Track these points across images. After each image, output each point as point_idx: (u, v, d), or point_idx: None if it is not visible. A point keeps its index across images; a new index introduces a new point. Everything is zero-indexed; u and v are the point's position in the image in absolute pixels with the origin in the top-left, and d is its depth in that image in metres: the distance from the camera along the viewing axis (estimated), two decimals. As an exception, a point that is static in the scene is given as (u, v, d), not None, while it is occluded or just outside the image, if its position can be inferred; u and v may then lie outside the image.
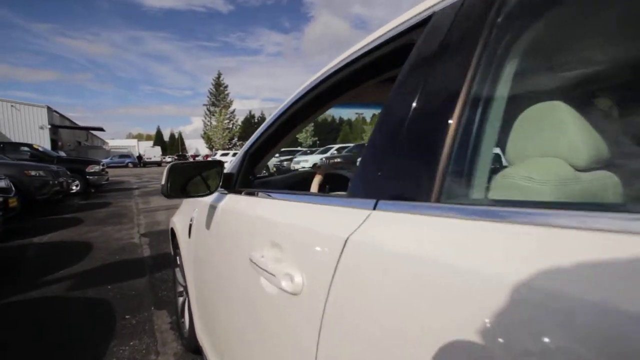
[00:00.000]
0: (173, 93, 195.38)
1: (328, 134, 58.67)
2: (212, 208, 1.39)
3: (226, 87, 45.96)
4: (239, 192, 1.30)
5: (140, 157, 40.92)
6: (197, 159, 41.49)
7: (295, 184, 1.69)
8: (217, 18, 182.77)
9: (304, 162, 13.15)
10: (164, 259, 3.74)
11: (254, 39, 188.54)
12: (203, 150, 52.83)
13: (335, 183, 1.86)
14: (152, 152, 41.61)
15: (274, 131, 1.26)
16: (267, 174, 1.96)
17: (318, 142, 45.54)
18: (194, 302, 1.60)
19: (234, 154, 21.89)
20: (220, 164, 1.39)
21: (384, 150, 0.61)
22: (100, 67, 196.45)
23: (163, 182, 1.21)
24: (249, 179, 1.42)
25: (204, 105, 45.50)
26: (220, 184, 1.35)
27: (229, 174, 1.43)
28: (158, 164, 39.35)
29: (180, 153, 47.53)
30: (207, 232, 1.37)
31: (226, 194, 1.38)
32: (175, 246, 2.03)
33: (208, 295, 1.34)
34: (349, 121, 61.65)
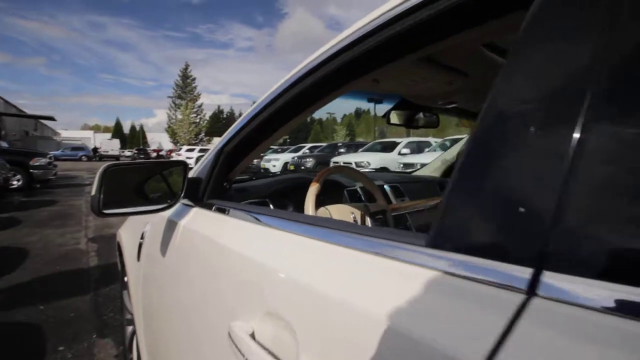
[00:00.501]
0: (135, 83, 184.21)
1: (299, 132, 58.20)
2: (171, 226, 1.03)
3: (194, 79, 44.04)
4: (209, 207, 0.95)
5: (96, 150, 38.16)
6: (160, 153, 39.45)
7: (283, 195, 1.36)
8: (185, 7, 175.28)
9: (275, 160, 12.70)
10: (114, 270, 3.24)
11: (224, 32, 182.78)
12: (167, 144, 50.37)
13: (329, 192, 1.54)
14: (110, 145, 38.91)
15: (261, 125, 0.92)
16: (246, 176, 1.58)
17: (289, 140, 45.01)
18: (143, 340, 1.22)
19: (201, 150, 20.91)
20: (184, 165, 1.03)
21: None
22: (55, 52, 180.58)
23: (93, 191, 0.83)
24: (222, 187, 1.07)
25: (169, 97, 43.29)
26: (183, 193, 0.99)
27: (196, 180, 1.07)
28: (116, 158, 36.93)
29: (141, 147, 44.80)
30: (161, 261, 1.01)
31: (191, 206, 1.03)
32: (123, 264, 1.62)
33: (163, 346, 0.98)
34: (320, 120, 61.65)
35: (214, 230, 0.83)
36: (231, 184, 1.11)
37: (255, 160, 15.23)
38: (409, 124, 1.42)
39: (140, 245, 1.27)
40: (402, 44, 0.61)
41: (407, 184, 1.88)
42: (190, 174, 1.14)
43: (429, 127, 1.47)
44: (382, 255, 0.42)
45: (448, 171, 2.19)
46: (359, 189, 1.58)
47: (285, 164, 12.04)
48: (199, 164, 1.16)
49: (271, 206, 1.28)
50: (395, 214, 1.46)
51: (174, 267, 0.92)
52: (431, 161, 2.27)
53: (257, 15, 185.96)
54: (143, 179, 1.10)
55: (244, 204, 1.12)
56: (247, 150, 1.05)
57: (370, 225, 1.25)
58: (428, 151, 9.32)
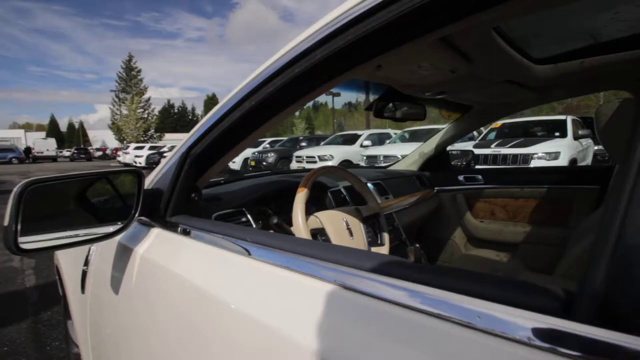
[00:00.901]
0: (72, 76, 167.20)
1: (256, 126, 56.67)
2: (124, 253, 0.81)
3: (139, 71, 40.85)
4: (173, 227, 0.76)
5: (28, 150, 34.17)
6: (106, 152, 36.35)
7: (263, 202, 1.18)
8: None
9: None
10: (57, 290, 2.82)
11: (171, 21, 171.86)
12: (112, 142, 46.57)
13: (311, 194, 1.38)
14: (45, 145, 35.00)
15: (237, 122, 0.74)
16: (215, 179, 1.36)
17: (246, 134, 43.81)
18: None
19: (152, 148, 19.45)
20: (138, 175, 0.81)
21: None
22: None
23: (6, 220, 0.59)
24: (189, 199, 0.87)
25: (112, 91, 39.75)
26: (138, 210, 0.78)
27: (155, 192, 0.86)
28: (53, 159, 33.42)
29: (82, 147, 40.94)
30: (115, 302, 0.79)
31: (150, 226, 0.82)
32: (65, 292, 1.34)
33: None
34: (278, 114, 60.53)
35: (182, 263, 0.64)
36: (200, 194, 0.91)
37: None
38: (395, 116, 1.29)
39: (84, 274, 1.02)
40: (420, 21, 0.48)
41: (388, 180, 1.78)
42: (147, 184, 0.92)
43: (416, 119, 1.36)
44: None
45: (426, 165, 2.12)
46: (342, 189, 1.44)
47: (246, 159, 11.58)
48: (155, 171, 0.94)
49: (250, 218, 1.09)
50: (384, 213, 1.34)
51: (134, 310, 0.71)
52: (408, 154, 2.20)
53: (205, 4, 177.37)
54: (80, 196, 0.86)
55: (217, 221, 0.92)
56: (219, 153, 0.85)
57: (363, 232, 1.11)
58: (389, 142, 9.46)
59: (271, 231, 1.02)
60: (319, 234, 1.01)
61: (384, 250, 1.13)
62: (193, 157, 0.83)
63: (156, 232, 0.79)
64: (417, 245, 1.27)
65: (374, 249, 1.11)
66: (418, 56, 0.82)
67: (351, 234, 1.06)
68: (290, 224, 0.97)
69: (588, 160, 7.22)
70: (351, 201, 1.40)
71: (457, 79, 1.05)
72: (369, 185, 1.58)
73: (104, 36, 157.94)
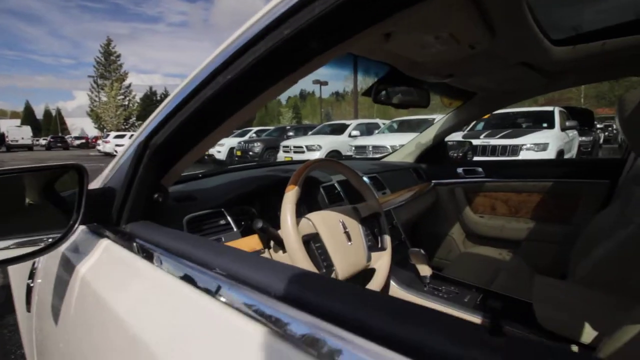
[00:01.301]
0: (48, 61, 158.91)
1: (242, 115, 55.61)
2: (66, 268, 0.64)
3: (118, 56, 39.11)
4: (128, 239, 0.59)
5: (2, 138, 32.54)
6: (83, 142, 35.03)
7: (246, 201, 1.01)
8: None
9: (219, 145, 11.82)
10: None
11: (151, 5, 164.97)
12: (91, 131, 44.87)
13: (308, 194, 1.22)
14: (20, 133, 33.37)
15: (209, 102, 0.57)
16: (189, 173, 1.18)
17: (232, 123, 42.96)
18: None
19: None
20: (79, 170, 0.63)
21: None
22: None
23: None
24: (151, 201, 0.70)
25: (90, 76, 38.05)
26: (80, 216, 0.61)
27: (106, 193, 0.68)
28: (29, 147, 31.98)
29: (59, 135, 39.18)
30: (54, 328, 0.62)
31: (99, 235, 0.65)
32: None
33: None
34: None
35: (130, 301, 0.47)
36: (166, 194, 0.73)
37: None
38: (396, 102, 1.14)
39: (29, 289, 0.85)
40: None
41: (385, 173, 1.64)
42: (100, 183, 0.74)
43: (419, 106, 1.21)
44: None
45: (423, 156, 1.99)
46: (336, 184, 1.28)
47: (231, 149, 11.26)
48: (110, 165, 0.76)
49: (230, 220, 0.93)
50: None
51: (76, 351, 0.54)
52: (404, 145, 2.06)
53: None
54: (17, 196, 0.68)
55: (185, 233, 0.76)
56: (188, 143, 0.68)
57: (363, 235, 0.96)
58: (377, 132, 9.33)
59: (260, 248, 0.86)
60: (312, 240, 0.86)
61: (386, 255, 0.99)
62: (154, 148, 0.65)
63: (104, 246, 0.62)
64: (421, 250, 1.14)
65: (374, 255, 0.97)
66: (439, 21, 0.66)
67: (349, 238, 0.91)
68: (279, 227, 0.82)
69: (573, 152, 7.30)
70: (346, 198, 1.25)
71: (472, 57, 0.91)
72: (365, 178, 1.43)
73: (81, 19, 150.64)
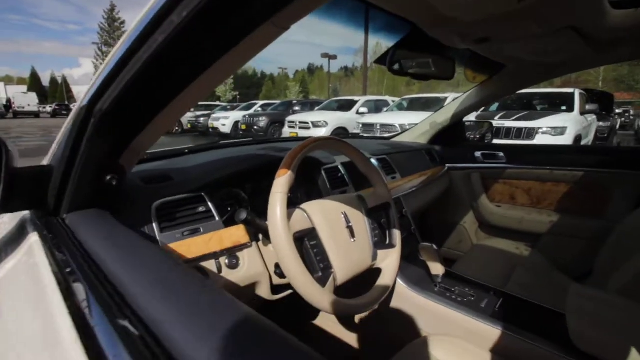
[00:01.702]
0: (54, 27, 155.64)
1: (249, 88, 54.82)
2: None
3: (122, 23, 38.13)
4: (66, 236, 0.44)
5: (9, 104, 32.43)
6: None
7: (232, 183, 0.86)
8: None
9: (224, 119, 11.57)
10: None
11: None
12: (98, 99, 44.22)
13: (307, 177, 1.06)
14: (25, 100, 33.16)
15: (169, 53, 0.40)
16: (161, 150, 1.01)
17: (239, 96, 42.35)
18: None
19: None
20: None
21: None
22: None
23: None
24: (103, 183, 0.55)
25: (94, 43, 37.33)
26: None
27: (41, 172, 0.53)
28: (36, 114, 31.89)
29: (63, 102, 38.84)
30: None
31: (33, 226, 0.50)
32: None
33: None
34: (272, 76, 58.44)
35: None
36: (123, 175, 0.58)
37: (202, 119, 13.74)
38: (415, 72, 0.95)
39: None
40: None
41: (395, 155, 1.46)
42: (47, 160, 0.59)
43: (441, 77, 1.03)
44: None
45: (438, 137, 1.80)
46: (340, 167, 1.12)
47: (236, 123, 11.03)
48: (56, 139, 0.60)
49: (212, 207, 0.78)
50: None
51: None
52: (417, 124, 1.86)
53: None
54: None
55: (146, 238, 0.61)
56: (146, 110, 0.52)
57: (369, 230, 0.81)
58: (386, 110, 9.01)
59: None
60: (306, 237, 0.71)
61: (395, 254, 0.84)
62: (100, 116, 0.49)
63: (32, 242, 0.47)
64: (434, 245, 0.98)
65: (381, 254, 0.82)
66: None
67: (352, 233, 0.76)
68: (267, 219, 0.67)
69: (590, 138, 6.98)
70: (352, 183, 1.09)
71: (515, 16, 0.72)
72: (373, 160, 1.27)
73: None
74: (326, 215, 0.73)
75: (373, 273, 0.83)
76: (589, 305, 0.80)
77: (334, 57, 24.97)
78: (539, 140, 5.33)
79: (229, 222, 0.79)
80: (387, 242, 0.87)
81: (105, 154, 0.54)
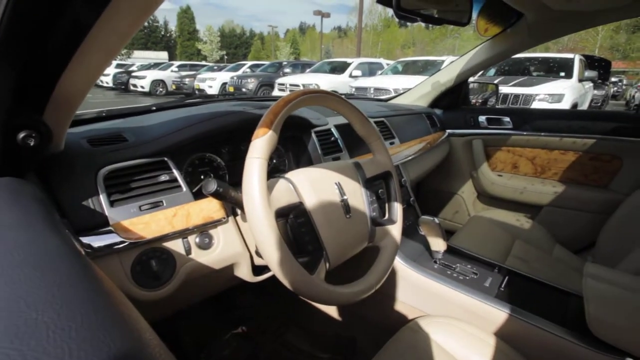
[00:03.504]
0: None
1: (237, 48, 52.24)
2: None
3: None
4: None
5: None
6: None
7: (199, 147, 0.72)
8: None
9: (211, 80, 10.99)
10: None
11: None
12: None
13: (293, 141, 0.92)
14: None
15: None
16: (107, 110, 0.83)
17: (226, 57, 40.50)
18: None
19: (119, 66, 17.11)
20: None
21: None
22: None
23: None
24: (15, 144, 0.40)
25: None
26: None
27: None
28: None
29: None
30: None
31: None
32: None
33: None
34: (261, 35, 55.56)
35: None
36: (46, 134, 0.43)
37: (187, 80, 13.13)
38: (428, 13, 0.79)
39: None
40: None
41: (393, 118, 1.32)
42: None
43: (456, 22, 0.86)
44: None
45: (439, 100, 1.65)
46: (333, 129, 0.98)
47: (224, 84, 10.51)
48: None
49: (177, 175, 0.64)
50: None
51: None
52: (417, 85, 1.70)
53: None
54: None
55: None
56: (67, 38, 0.36)
57: (366, 203, 0.70)
58: (381, 74, 8.66)
59: None
60: (292, 213, 0.58)
61: (395, 230, 0.73)
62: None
63: None
64: (435, 219, 0.88)
65: (379, 231, 0.71)
66: None
67: (347, 210, 0.64)
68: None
69: (585, 106, 6.87)
70: (346, 149, 0.96)
71: None
72: (370, 124, 1.12)
73: None
74: (316, 186, 0.61)
75: (369, 252, 0.73)
76: (611, 290, 0.71)
77: (327, 15, 23.68)
78: (536, 107, 5.20)
79: (202, 193, 0.65)
80: (387, 217, 0.76)
81: (10, 101, 0.39)
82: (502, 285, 0.88)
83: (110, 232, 0.53)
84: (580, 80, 6.11)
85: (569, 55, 6.61)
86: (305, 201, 0.59)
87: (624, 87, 16.88)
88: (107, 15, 0.34)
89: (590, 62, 7.69)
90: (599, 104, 9.46)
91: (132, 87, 12.70)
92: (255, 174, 0.49)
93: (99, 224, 0.53)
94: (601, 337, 0.67)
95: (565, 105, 5.27)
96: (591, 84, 7.18)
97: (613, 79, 15.45)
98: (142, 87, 12.30)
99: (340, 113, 0.70)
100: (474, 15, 1.16)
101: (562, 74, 6.11)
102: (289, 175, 0.61)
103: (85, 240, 0.51)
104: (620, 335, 0.66)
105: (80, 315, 0.19)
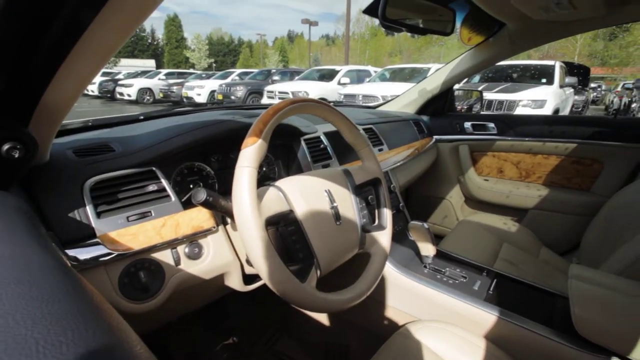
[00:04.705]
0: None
1: (225, 55, 52.24)
2: None
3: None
4: None
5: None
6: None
7: (188, 155, 0.71)
8: None
9: (199, 88, 10.93)
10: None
11: None
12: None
13: (282, 150, 0.92)
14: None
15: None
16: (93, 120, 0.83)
17: (214, 64, 40.44)
18: None
19: (105, 74, 16.81)
20: None
21: None
22: None
23: None
24: (1, 156, 0.40)
25: None
26: None
27: None
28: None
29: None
30: None
31: None
32: None
33: None
34: (250, 43, 55.72)
35: None
36: (31, 146, 0.43)
37: (175, 88, 12.97)
38: (412, 23, 0.81)
39: None
40: None
41: (381, 125, 1.34)
42: None
43: (440, 32, 0.89)
44: None
45: (426, 107, 1.68)
46: (322, 136, 0.98)
47: (212, 92, 10.47)
48: None
49: (165, 184, 0.63)
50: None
51: None
52: (404, 92, 1.73)
53: None
54: None
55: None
56: (54, 45, 0.36)
57: (356, 210, 0.70)
58: (368, 81, 8.77)
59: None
60: (282, 221, 0.58)
61: (385, 236, 0.73)
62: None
63: None
64: (424, 224, 0.89)
65: (369, 237, 0.71)
66: None
67: (337, 217, 0.64)
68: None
69: (567, 111, 7.08)
70: (336, 156, 0.97)
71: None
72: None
73: None
74: (307, 194, 0.61)
75: (359, 258, 0.73)
76: (596, 290, 0.73)
77: (315, 24, 23.94)
78: (519, 112, 5.34)
79: (190, 202, 0.65)
80: (376, 223, 0.77)
81: (-6, 114, 0.39)
82: (491, 289, 0.89)
83: (97, 244, 0.52)
84: (561, 86, 6.31)
85: (550, 62, 6.84)
86: (296, 209, 0.59)
87: (603, 92, 17.48)
88: (97, 23, 0.34)
89: (570, 68, 7.96)
90: (579, 109, 9.76)
91: (118, 96, 12.55)
92: (245, 183, 0.50)
93: (86, 235, 0.52)
94: (587, 337, 0.69)
95: (547, 110, 5.42)
96: (572, 90, 7.41)
97: (592, 85, 15.98)
98: (128, 95, 12.16)
99: (329, 121, 0.71)
100: (458, 24, 1.20)
101: (544, 80, 6.30)
102: (279, 183, 0.61)
103: (71, 252, 0.50)
104: (605, 335, 0.68)
105: (70, 331, 0.19)
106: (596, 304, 0.71)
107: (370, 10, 0.84)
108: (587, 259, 1.19)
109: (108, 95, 13.17)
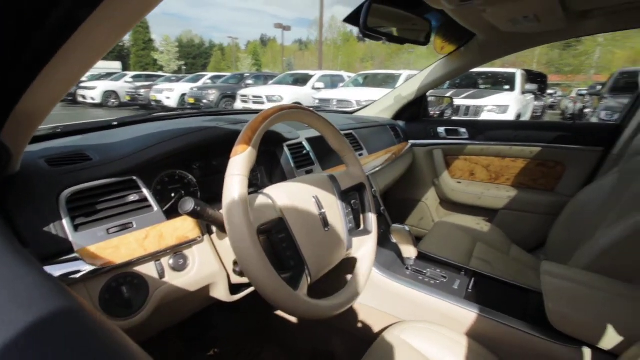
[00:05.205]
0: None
1: (195, 58, 51.05)
2: None
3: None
4: None
5: None
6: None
7: (170, 164, 0.69)
8: None
9: (169, 91, 10.59)
10: None
11: None
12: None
13: (266, 156, 0.91)
14: None
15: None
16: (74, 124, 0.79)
17: (184, 67, 39.37)
18: None
19: None
20: None
21: None
22: None
23: None
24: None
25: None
26: None
27: None
28: None
29: None
30: None
31: None
32: None
33: None
34: (221, 46, 54.83)
35: None
36: (4, 155, 0.40)
37: (142, 91, 12.51)
38: (392, 33, 0.83)
39: None
40: None
41: (361, 130, 1.36)
42: None
43: (417, 41, 0.92)
44: None
45: (401, 112, 1.73)
46: (304, 142, 0.99)
47: (183, 95, 10.18)
48: None
49: (147, 194, 0.61)
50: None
51: None
52: (380, 98, 1.77)
53: None
54: None
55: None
56: (34, 51, 0.34)
57: (342, 215, 0.71)
58: (342, 86, 8.89)
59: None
60: (273, 229, 0.58)
61: (371, 241, 0.75)
62: None
63: None
64: (406, 227, 0.91)
65: (356, 242, 0.72)
66: None
67: (325, 223, 0.65)
68: (221, 207, 0.53)
69: (528, 115, 7.52)
70: (318, 161, 0.97)
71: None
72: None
73: None
74: (296, 201, 0.61)
75: (345, 262, 0.74)
76: (567, 285, 0.78)
77: (288, 29, 23.99)
78: (485, 117, 5.61)
79: (173, 211, 0.63)
80: (362, 227, 0.78)
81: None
82: (470, 287, 0.92)
83: (75, 259, 0.50)
84: (523, 93, 6.71)
85: (512, 70, 7.25)
86: (286, 216, 0.59)
87: (559, 98, 18.74)
88: (92, 20, 0.32)
89: (530, 76, 8.48)
90: (539, 114, 10.41)
91: (80, 99, 11.89)
92: (236, 192, 0.49)
93: (63, 250, 0.49)
94: (560, 330, 0.73)
95: (510, 115, 5.74)
96: (532, 96, 7.90)
97: (549, 91, 17.08)
98: (92, 98, 11.56)
99: (314, 128, 0.71)
100: (435, 33, 1.25)
101: (507, 87, 6.68)
102: (268, 190, 0.61)
103: (47, 269, 0.47)
104: (577, 327, 0.72)
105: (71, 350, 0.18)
106: (567, 298, 0.76)
107: (351, 19, 0.85)
108: (553, 255, 1.27)
109: (69, 98, 12.45)
